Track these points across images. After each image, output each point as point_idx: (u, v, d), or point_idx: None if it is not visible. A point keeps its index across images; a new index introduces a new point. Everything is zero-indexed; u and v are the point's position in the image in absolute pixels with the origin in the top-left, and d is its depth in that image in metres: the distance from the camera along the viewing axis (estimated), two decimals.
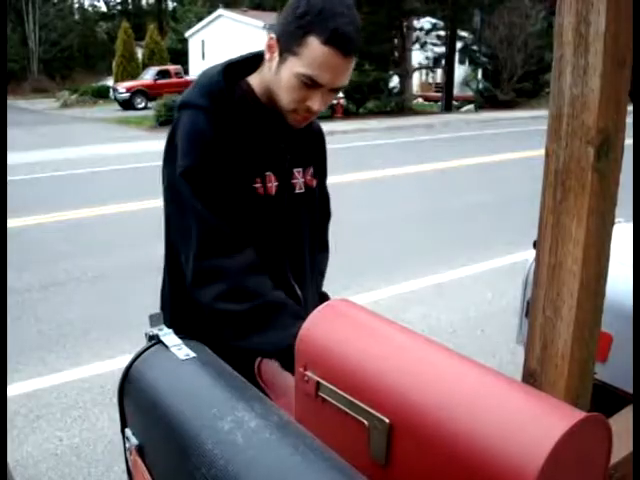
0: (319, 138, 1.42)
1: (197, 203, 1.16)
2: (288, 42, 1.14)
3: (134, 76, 25.99)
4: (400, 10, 18.91)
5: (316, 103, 1.17)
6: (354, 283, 4.32)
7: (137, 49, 29.41)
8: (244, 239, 1.19)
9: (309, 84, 1.14)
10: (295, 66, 1.14)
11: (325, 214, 1.51)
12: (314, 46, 1.11)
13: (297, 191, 1.31)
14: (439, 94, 23.03)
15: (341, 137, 13.09)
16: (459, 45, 21.85)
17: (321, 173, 1.42)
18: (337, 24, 1.10)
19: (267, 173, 1.24)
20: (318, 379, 0.87)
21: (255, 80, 1.26)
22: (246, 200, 1.20)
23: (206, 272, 1.17)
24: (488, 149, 11.37)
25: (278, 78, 1.18)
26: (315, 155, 1.38)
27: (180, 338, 0.97)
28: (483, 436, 0.67)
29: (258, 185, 1.22)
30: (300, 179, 1.31)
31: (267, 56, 1.20)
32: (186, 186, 1.16)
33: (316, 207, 1.39)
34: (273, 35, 1.17)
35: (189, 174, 1.16)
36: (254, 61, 1.27)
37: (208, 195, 1.16)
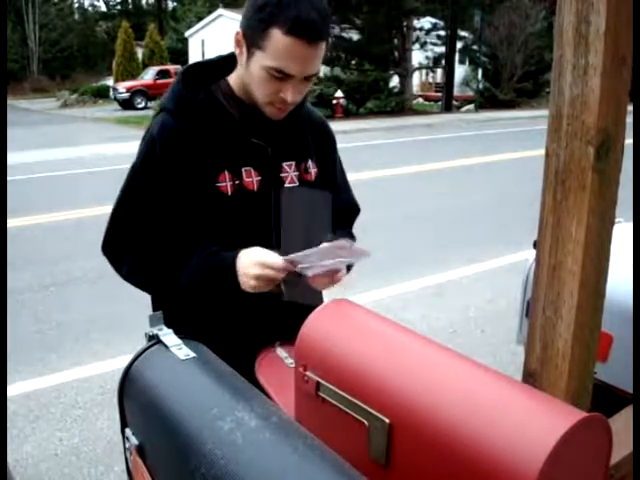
0: (321, 130, 1.41)
1: (120, 194, 1.28)
2: (252, 36, 1.14)
3: (134, 76, 25.98)
4: (400, 10, 18.88)
5: (289, 94, 1.18)
6: (355, 283, 4.31)
7: (137, 49, 29.35)
8: (153, 230, 1.26)
9: (279, 76, 1.15)
10: (262, 60, 1.14)
11: (341, 205, 1.46)
12: (277, 38, 1.10)
13: (287, 185, 1.30)
14: (439, 94, 23.03)
15: (341, 137, 12.95)
16: (459, 45, 21.84)
17: (326, 165, 1.40)
18: (298, 12, 1.08)
19: (246, 168, 1.25)
20: (318, 379, 0.87)
21: (234, 77, 1.27)
22: (208, 198, 1.23)
23: (110, 259, 1.32)
24: (488, 149, 11.36)
25: (249, 73, 1.19)
26: (316, 148, 1.37)
27: (180, 338, 0.97)
28: (483, 436, 0.67)
29: (223, 184, 1.23)
30: (292, 173, 1.31)
31: (237, 51, 1.20)
32: (126, 180, 1.28)
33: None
34: (239, 30, 1.17)
35: (131, 170, 1.27)
36: (233, 60, 1.28)
37: (134, 191, 1.26)
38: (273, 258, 1.15)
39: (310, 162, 1.34)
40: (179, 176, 1.22)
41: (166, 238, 1.26)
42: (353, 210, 1.53)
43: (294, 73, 1.14)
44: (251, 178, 1.25)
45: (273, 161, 1.28)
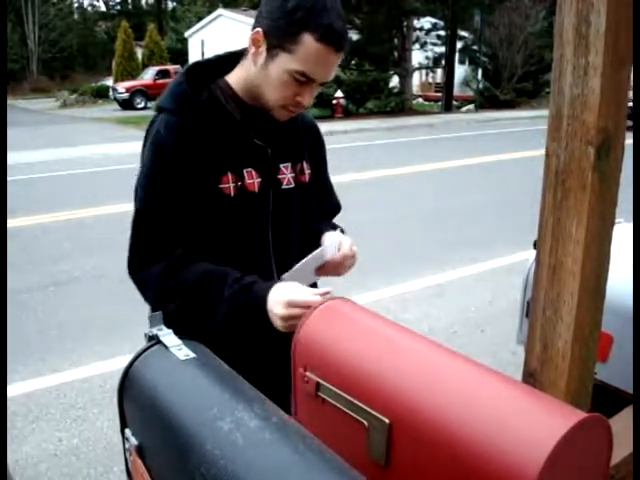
0: (313, 133, 1.41)
1: (139, 206, 1.23)
2: (278, 38, 1.13)
3: (134, 76, 25.98)
4: (400, 10, 18.88)
5: (307, 98, 1.19)
6: (354, 283, 4.32)
7: (137, 49, 29.36)
8: (178, 239, 1.22)
9: (302, 80, 1.15)
10: (287, 63, 1.14)
11: (327, 206, 1.50)
12: (308, 43, 1.11)
13: (285, 186, 1.30)
14: (439, 94, 23.03)
15: (341, 137, 13.08)
16: (459, 45, 21.84)
17: (317, 167, 1.41)
18: (330, 20, 1.10)
19: (247, 170, 1.24)
20: (318, 379, 0.87)
21: (235, 77, 1.26)
22: (211, 200, 1.21)
23: (137, 283, 1.26)
24: (488, 149, 11.36)
25: (266, 74, 1.18)
26: (309, 150, 1.38)
27: (180, 338, 0.97)
28: (483, 436, 0.67)
29: (226, 185, 1.21)
30: (288, 174, 1.31)
31: (252, 50, 1.18)
32: (141, 190, 1.23)
33: (310, 202, 1.38)
34: (259, 29, 1.16)
35: (144, 180, 1.23)
36: (230, 59, 1.28)
37: (154, 199, 1.22)
38: (301, 295, 1.10)
39: (305, 163, 1.35)
40: (187, 176, 1.20)
41: (189, 254, 1.22)
42: (337, 210, 1.55)
43: (318, 78, 1.16)
44: (252, 179, 1.24)
45: (272, 162, 1.28)
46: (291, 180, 1.31)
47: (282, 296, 1.12)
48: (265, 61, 1.17)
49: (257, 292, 1.16)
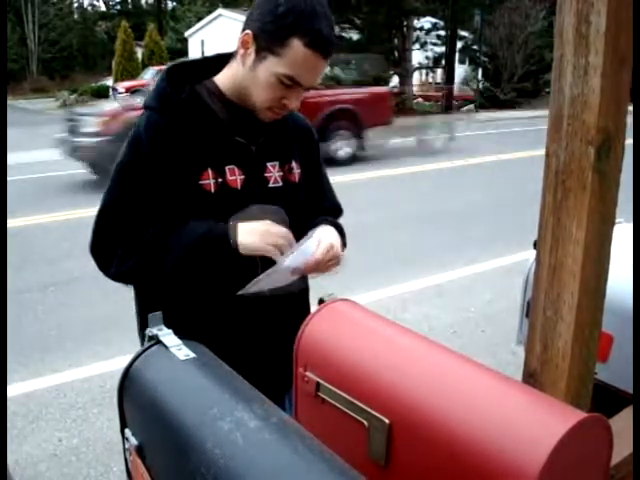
0: (305, 133, 1.42)
1: (111, 197, 1.25)
2: (268, 41, 1.15)
3: (134, 76, 25.96)
4: (400, 10, 18.89)
5: (293, 102, 1.21)
6: (354, 283, 4.32)
7: (137, 49, 29.35)
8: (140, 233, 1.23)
9: (288, 84, 1.17)
10: (275, 66, 1.15)
11: (327, 205, 1.49)
12: (297, 48, 1.13)
13: (271, 185, 1.30)
14: (439, 94, 23.04)
15: None
16: (459, 45, 21.87)
17: (310, 167, 1.41)
18: (320, 26, 1.12)
19: (229, 166, 1.24)
20: (318, 379, 0.87)
21: (223, 77, 1.27)
22: (192, 195, 1.22)
23: (97, 260, 1.28)
24: (487, 149, 11.36)
25: (253, 75, 1.19)
26: (300, 150, 1.38)
27: (180, 338, 0.97)
28: (483, 436, 0.67)
29: (206, 181, 1.22)
30: (275, 173, 1.31)
31: (241, 52, 1.20)
32: (113, 180, 1.25)
33: (299, 201, 1.37)
34: (249, 31, 1.18)
35: (117, 171, 1.24)
36: (218, 61, 1.30)
37: (122, 193, 1.24)
38: (277, 227, 1.20)
39: (294, 163, 1.35)
40: (165, 173, 1.21)
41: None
42: (337, 212, 1.53)
43: (305, 83, 1.18)
44: (235, 176, 1.25)
45: (257, 160, 1.29)
46: (278, 179, 1.31)
47: (258, 224, 1.19)
48: (253, 63, 1.18)
49: (218, 224, 1.21)
